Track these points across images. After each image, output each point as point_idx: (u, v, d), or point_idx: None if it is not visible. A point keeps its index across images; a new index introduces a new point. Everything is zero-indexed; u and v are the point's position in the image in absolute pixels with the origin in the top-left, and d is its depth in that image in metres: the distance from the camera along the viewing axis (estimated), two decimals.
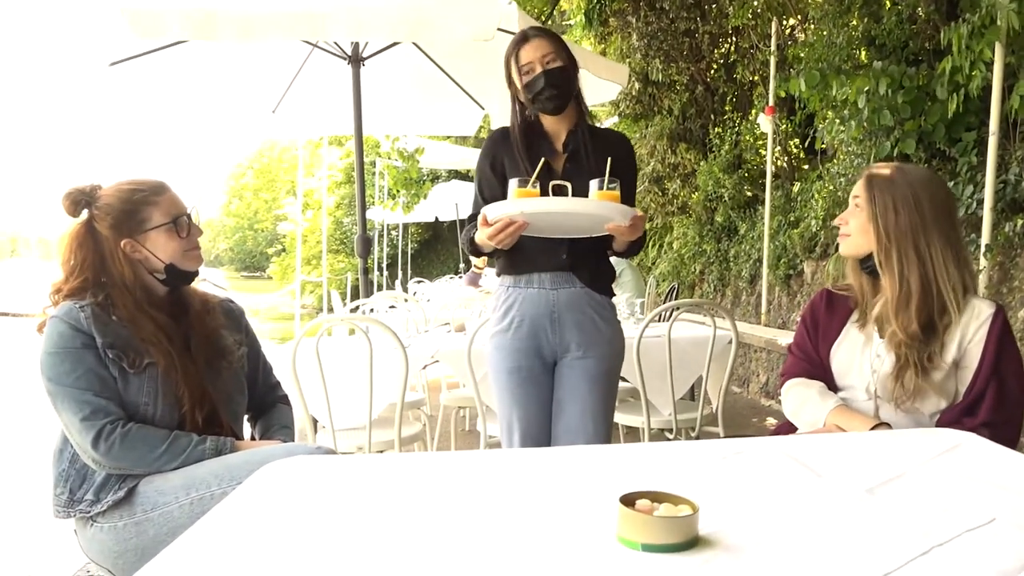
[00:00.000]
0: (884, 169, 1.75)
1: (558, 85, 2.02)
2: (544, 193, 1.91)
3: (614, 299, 2.21)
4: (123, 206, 1.70)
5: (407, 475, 1.21)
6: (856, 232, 1.75)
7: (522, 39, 2.06)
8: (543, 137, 2.11)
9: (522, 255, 2.08)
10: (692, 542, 0.90)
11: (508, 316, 2.11)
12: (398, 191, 11.48)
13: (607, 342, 2.11)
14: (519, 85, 2.06)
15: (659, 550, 0.88)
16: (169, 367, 1.67)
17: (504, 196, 1.97)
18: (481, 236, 1.92)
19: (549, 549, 0.90)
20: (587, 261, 2.10)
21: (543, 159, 1.95)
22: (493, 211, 1.86)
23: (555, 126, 2.12)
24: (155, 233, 1.71)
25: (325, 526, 0.98)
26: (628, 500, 0.94)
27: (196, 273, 1.83)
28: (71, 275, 1.69)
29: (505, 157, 2.10)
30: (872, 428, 1.62)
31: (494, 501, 1.08)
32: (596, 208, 1.85)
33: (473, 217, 2.11)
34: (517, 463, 1.29)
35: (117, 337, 1.64)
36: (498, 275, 2.20)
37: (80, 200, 1.71)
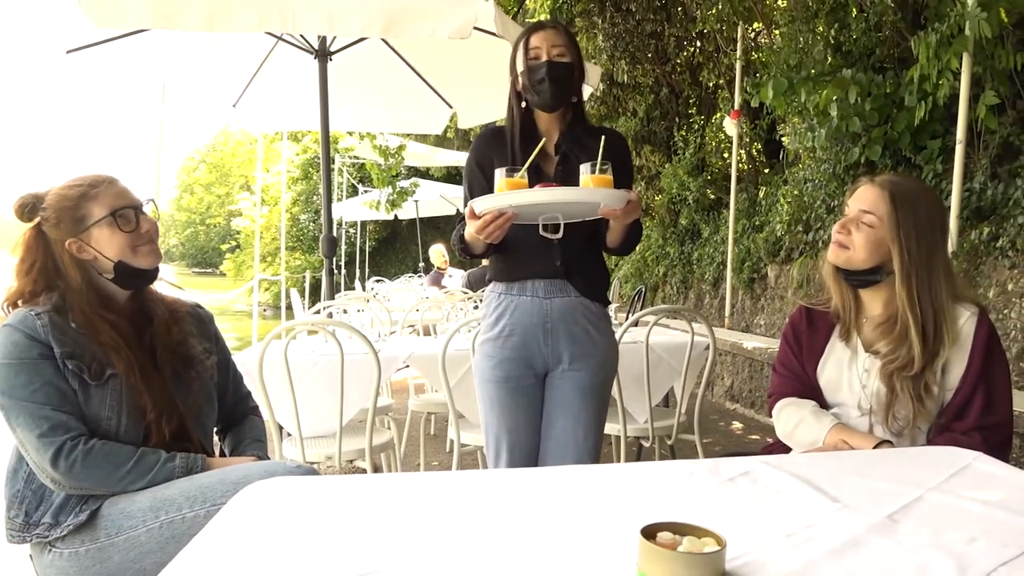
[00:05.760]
0: (904, 186, 1.66)
1: (559, 80, 1.98)
2: (533, 180, 1.85)
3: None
4: (63, 204, 1.60)
5: (400, 497, 1.14)
6: (860, 247, 1.65)
7: (538, 26, 2.03)
8: (536, 137, 2.04)
9: (515, 257, 2.03)
10: None
11: (499, 324, 2.04)
12: (380, 188, 11.45)
13: (600, 354, 2.05)
14: (521, 69, 2.01)
15: None
16: (130, 372, 1.56)
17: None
18: (469, 230, 1.86)
19: None
20: (581, 266, 2.04)
21: (542, 140, 1.92)
22: (480, 204, 1.80)
23: (548, 125, 2.07)
24: (97, 229, 1.60)
25: (317, 556, 0.91)
26: (648, 532, 0.88)
27: (153, 272, 1.70)
28: (24, 281, 1.60)
29: (495, 155, 2.04)
30: (875, 447, 1.58)
31: (500, 526, 1.01)
32: (585, 196, 1.80)
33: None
34: (518, 484, 1.22)
35: (76, 346, 1.53)
36: (489, 281, 2.13)
37: (28, 204, 1.61)
